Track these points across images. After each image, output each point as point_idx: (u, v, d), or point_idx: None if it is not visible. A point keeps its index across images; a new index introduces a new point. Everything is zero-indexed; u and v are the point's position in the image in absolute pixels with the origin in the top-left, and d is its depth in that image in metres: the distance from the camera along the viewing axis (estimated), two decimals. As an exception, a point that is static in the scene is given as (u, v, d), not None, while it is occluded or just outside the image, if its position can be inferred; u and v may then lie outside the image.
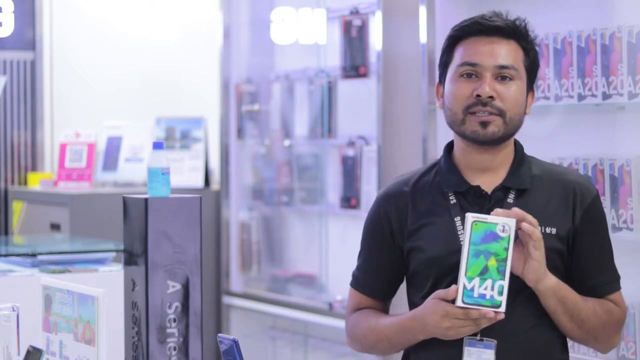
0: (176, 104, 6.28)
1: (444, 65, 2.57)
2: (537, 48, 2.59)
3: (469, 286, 2.34)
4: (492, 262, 2.34)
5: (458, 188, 2.53)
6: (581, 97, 3.57)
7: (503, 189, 2.52)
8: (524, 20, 2.58)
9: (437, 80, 2.63)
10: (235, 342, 2.22)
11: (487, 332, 2.42)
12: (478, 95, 2.46)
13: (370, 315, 2.63)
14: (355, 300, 2.68)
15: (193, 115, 5.94)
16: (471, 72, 2.49)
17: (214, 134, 5.92)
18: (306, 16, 5.33)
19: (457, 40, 2.55)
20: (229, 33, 5.65)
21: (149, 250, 2.23)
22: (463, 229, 2.47)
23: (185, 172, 5.77)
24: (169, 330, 2.25)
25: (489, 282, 2.33)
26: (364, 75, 4.73)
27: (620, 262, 3.64)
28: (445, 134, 4.04)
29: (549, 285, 2.43)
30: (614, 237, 3.46)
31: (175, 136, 5.86)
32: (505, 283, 2.32)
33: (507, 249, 2.33)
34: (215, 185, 5.86)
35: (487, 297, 2.33)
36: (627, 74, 3.41)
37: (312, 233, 5.25)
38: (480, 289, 2.34)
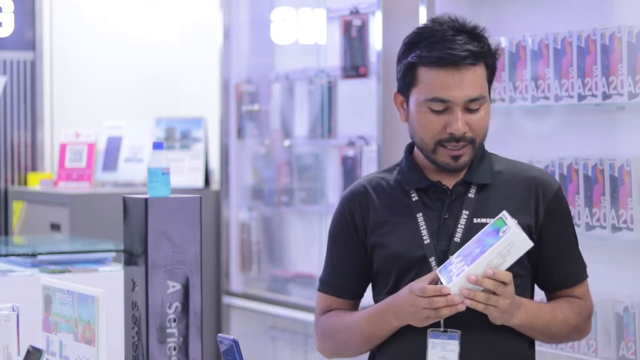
0: (176, 104, 6.29)
1: (407, 84, 2.51)
2: (497, 56, 2.57)
3: (451, 260, 2.39)
4: (476, 251, 2.37)
5: (419, 185, 2.55)
6: (581, 97, 3.57)
7: (464, 184, 2.54)
8: (482, 29, 2.53)
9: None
10: (235, 342, 2.22)
11: (452, 324, 2.43)
12: (451, 133, 2.47)
13: (344, 313, 2.62)
14: (325, 303, 2.67)
15: (193, 115, 5.94)
16: (442, 108, 2.47)
17: (214, 134, 5.92)
18: (306, 16, 5.33)
19: (418, 64, 2.49)
20: (229, 33, 5.65)
21: (149, 250, 2.23)
22: (425, 224, 2.51)
23: (185, 172, 5.77)
24: (169, 330, 2.25)
25: (461, 265, 2.37)
26: (364, 75, 4.73)
27: (621, 262, 3.65)
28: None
29: (518, 324, 2.46)
30: (614, 237, 3.47)
31: (175, 136, 5.86)
32: (467, 271, 2.34)
33: (492, 245, 2.35)
34: (215, 185, 5.86)
35: (450, 274, 2.37)
36: (627, 74, 3.41)
37: (312, 233, 5.25)
38: (453, 266, 2.38)
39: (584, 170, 3.55)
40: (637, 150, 3.48)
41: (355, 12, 4.76)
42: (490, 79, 2.55)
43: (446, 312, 2.36)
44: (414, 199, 2.55)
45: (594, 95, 3.52)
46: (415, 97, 2.51)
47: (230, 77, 5.65)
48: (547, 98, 3.69)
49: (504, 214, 2.38)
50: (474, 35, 2.51)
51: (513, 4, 4.02)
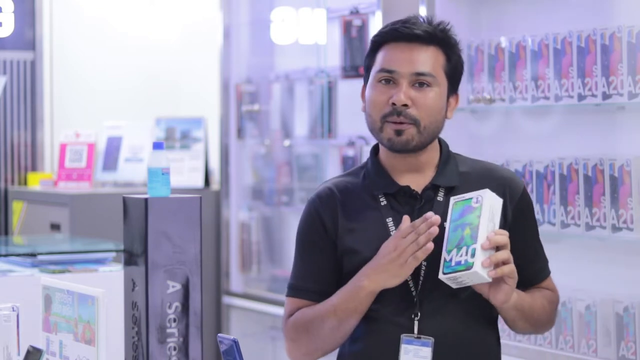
0: (176, 104, 6.29)
1: (367, 68, 2.59)
2: (460, 53, 2.59)
3: (447, 258, 2.39)
4: (467, 232, 2.38)
5: (388, 190, 2.55)
6: (581, 97, 3.57)
7: (433, 188, 2.54)
8: (447, 24, 2.58)
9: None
10: (235, 342, 2.22)
11: (424, 331, 2.45)
12: (393, 104, 2.48)
13: (313, 308, 2.57)
14: (294, 307, 2.62)
15: (193, 115, 5.94)
16: (388, 79, 2.51)
17: (214, 134, 5.92)
18: (306, 16, 5.33)
19: (379, 44, 2.58)
20: (229, 33, 5.65)
21: (149, 250, 2.23)
22: (395, 229, 2.50)
23: (185, 172, 5.76)
24: (169, 330, 2.25)
25: (464, 250, 2.37)
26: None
27: (621, 262, 3.65)
28: (445, 134, 4.03)
29: (512, 304, 2.46)
30: (614, 237, 3.47)
31: (175, 136, 5.86)
32: (478, 245, 2.35)
33: (479, 217, 2.37)
34: (215, 185, 5.86)
35: (462, 262, 2.37)
36: (627, 74, 3.41)
37: (312, 233, 5.24)
38: (457, 258, 2.38)
39: (584, 170, 3.55)
40: (637, 150, 3.48)
41: (355, 12, 4.76)
42: (450, 73, 2.55)
43: (424, 240, 2.37)
44: (382, 204, 2.54)
45: (594, 95, 3.52)
46: (370, 78, 2.56)
47: (230, 77, 5.65)
48: (547, 98, 3.69)
49: (455, 198, 2.42)
50: (437, 26, 2.56)
51: (513, 4, 4.02)
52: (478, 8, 4.11)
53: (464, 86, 4.00)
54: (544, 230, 3.64)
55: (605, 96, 3.48)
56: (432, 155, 2.57)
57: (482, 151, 4.04)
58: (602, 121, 3.66)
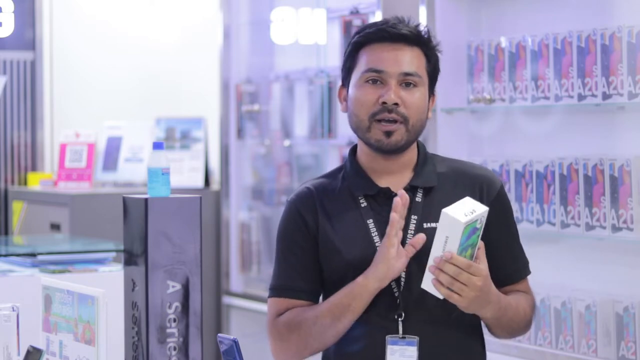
0: (176, 104, 6.29)
1: (348, 69, 2.59)
2: (439, 54, 2.60)
3: None
4: (469, 252, 2.36)
5: (368, 191, 2.56)
6: (581, 97, 3.57)
7: (411, 189, 2.55)
8: (426, 27, 2.60)
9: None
10: (235, 342, 2.22)
11: (410, 330, 2.45)
12: (384, 102, 2.50)
13: (308, 307, 2.56)
14: (281, 307, 2.60)
15: (193, 116, 5.94)
16: (376, 79, 2.52)
17: (214, 134, 5.92)
18: (306, 16, 5.34)
19: (361, 45, 2.57)
20: (229, 33, 5.65)
21: (149, 250, 2.23)
22: (377, 231, 2.51)
23: (185, 172, 5.76)
24: (169, 330, 2.25)
25: None
26: (364, 75, 4.72)
27: (621, 262, 3.65)
28: (445, 134, 4.04)
29: (488, 317, 2.47)
30: (614, 237, 3.47)
31: (175, 136, 5.86)
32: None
33: (479, 236, 2.37)
34: (215, 185, 5.86)
35: None
36: (627, 74, 3.41)
37: (312, 233, 5.24)
38: None
39: (584, 170, 3.55)
40: (637, 150, 3.48)
41: (355, 12, 4.76)
42: (431, 74, 2.57)
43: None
44: (362, 205, 2.55)
45: (594, 95, 3.52)
46: (354, 79, 2.56)
47: (230, 77, 5.65)
48: (547, 98, 3.69)
49: (466, 222, 2.31)
50: (415, 27, 2.57)
51: (513, 4, 4.02)
52: (478, 8, 4.11)
53: (464, 86, 4.01)
54: (544, 230, 3.65)
55: (605, 96, 3.48)
56: (411, 156, 2.59)
57: (482, 151, 4.04)
58: (602, 121, 3.67)
